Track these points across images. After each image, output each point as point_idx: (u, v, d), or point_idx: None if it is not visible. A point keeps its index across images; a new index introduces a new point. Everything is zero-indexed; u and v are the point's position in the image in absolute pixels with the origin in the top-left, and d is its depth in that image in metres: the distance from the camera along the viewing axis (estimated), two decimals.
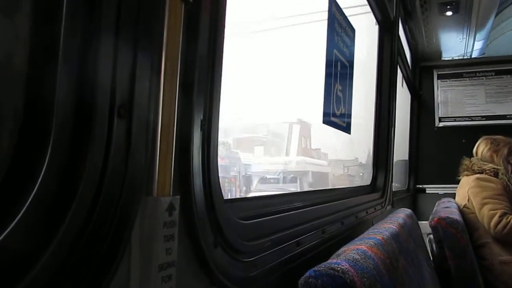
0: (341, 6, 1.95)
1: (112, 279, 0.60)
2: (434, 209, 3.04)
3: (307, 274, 0.97)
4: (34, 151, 0.53)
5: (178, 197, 0.72)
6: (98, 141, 0.58)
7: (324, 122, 1.86)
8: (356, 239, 1.34)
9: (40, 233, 0.51)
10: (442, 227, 2.52)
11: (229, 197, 1.16)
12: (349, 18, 2.07)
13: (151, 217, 0.66)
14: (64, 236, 0.53)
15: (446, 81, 4.61)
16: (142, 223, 0.66)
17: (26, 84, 0.54)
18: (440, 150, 4.45)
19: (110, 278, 0.60)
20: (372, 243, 1.23)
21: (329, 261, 1.03)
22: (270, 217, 1.16)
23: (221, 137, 0.88)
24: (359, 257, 1.07)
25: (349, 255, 1.07)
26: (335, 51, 1.90)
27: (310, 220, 1.41)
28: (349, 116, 2.15)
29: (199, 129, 0.80)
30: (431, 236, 2.66)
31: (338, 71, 1.96)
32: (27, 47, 0.54)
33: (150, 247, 0.66)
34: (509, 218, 2.73)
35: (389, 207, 2.81)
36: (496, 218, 2.76)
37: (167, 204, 0.69)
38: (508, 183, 3.00)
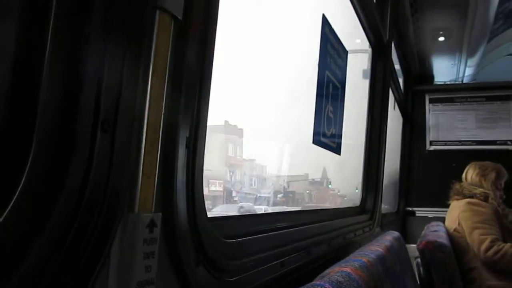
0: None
1: None
2: (423, 232, 3.04)
3: None
4: (13, 163, 0.52)
5: (160, 214, 0.72)
6: (80, 155, 0.57)
7: (315, 142, 1.86)
8: (342, 261, 1.34)
9: (17, 244, 0.51)
10: (430, 251, 2.52)
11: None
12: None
13: (131, 233, 0.66)
14: (41, 248, 0.52)
15: (438, 105, 4.66)
16: (122, 239, 0.65)
17: (7, 98, 0.53)
18: (430, 174, 4.47)
19: None
20: (357, 266, 1.23)
21: (313, 283, 1.03)
22: (255, 236, 1.15)
23: None
24: (343, 280, 1.06)
25: (333, 277, 1.06)
26: (327, 72, 1.91)
27: (296, 241, 1.40)
28: (340, 137, 2.15)
29: (184, 147, 0.80)
30: (419, 259, 2.66)
31: (330, 92, 1.98)
32: (10, 61, 0.55)
33: (129, 264, 0.65)
34: (501, 246, 2.73)
35: (377, 229, 2.80)
36: (487, 243, 2.76)
37: (148, 220, 0.68)
38: (498, 208, 3.02)
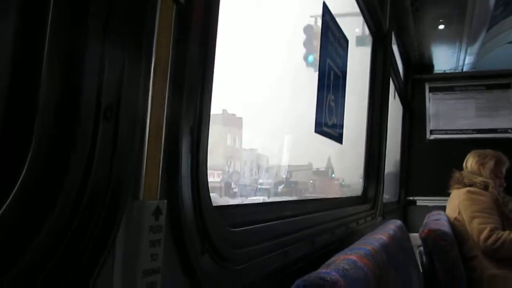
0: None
1: (95, 283, 0.58)
2: (425, 221, 3.04)
3: (296, 283, 0.95)
4: (15, 152, 0.51)
5: (165, 201, 0.70)
6: (83, 143, 0.56)
7: (317, 131, 1.85)
8: (347, 249, 1.33)
9: (21, 233, 0.50)
10: (432, 239, 2.52)
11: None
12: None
13: (137, 221, 0.65)
14: (46, 238, 0.51)
15: (438, 94, 4.64)
16: (128, 226, 0.64)
17: (9, 83, 0.52)
18: (431, 163, 4.46)
19: (93, 282, 0.58)
20: (362, 254, 1.22)
21: (319, 270, 1.02)
22: (260, 225, 1.14)
23: None
24: (349, 267, 1.05)
25: (339, 265, 1.06)
26: (328, 60, 1.90)
27: (300, 230, 1.39)
28: (341, 126, 2.14)
29: (189, 134, 0.79)
30: (421, 248, 2.66)
31: (331, 81, 1.96)
32: (12, 44, 0.53)
33: (135, 252, 0.64)
34: (500, 234, 2.73)
35: (379, 219, 2.80)
36: (486, 232, 2.76)
37: (154, 207, 0.67)
38: (498, 196, 3.01)
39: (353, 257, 1.14)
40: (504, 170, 3.23)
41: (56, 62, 0.54)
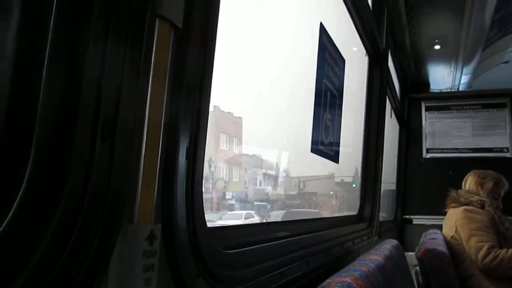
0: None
1: None
2: (421, 240, 3.03)
3: None
4: (11, 174, 0.51)
5: (160, 225, 0.70)
6: (78, 165, 0.56)
7: (313, 151, 1.85)
8: (341, 270, 1.32)
9: (14, 256, 0.49)
10: (429, 259, 2.51)
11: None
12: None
13: (131, 246, 0.64)
14: (38, 262, 0.51)
15: (434, 113, 4.67)
16: (122, 251, 0.64)
17: (6, 104, 0.53)
18: (427, 181, 4.47)
19: None
20: (357, 276, 1.21)
21: None
22: (254, 246, 1.14)
23: None
24: None
25: None
26: (324, 80, 1.91)
27: (295, 250, 1.39)
28: (338, 145, 2.15)
29: (184, 157, 0.79)
30: (417, 267, 2.65)
31: (328, 100, 1.97)
32: (10, 67, 0.54)
33: (129, 277, 0.64)
34: (497, 252, 2.73)
35: (376, 238, 2.79)
36: (484, 250, 2.76)
37: (148, 232, 0.67)
38: (494, 215, 3.02)
39: (348, 280, 1.13)
40: (502, 193, 3.23)
41: (54, 84, 0.54)
